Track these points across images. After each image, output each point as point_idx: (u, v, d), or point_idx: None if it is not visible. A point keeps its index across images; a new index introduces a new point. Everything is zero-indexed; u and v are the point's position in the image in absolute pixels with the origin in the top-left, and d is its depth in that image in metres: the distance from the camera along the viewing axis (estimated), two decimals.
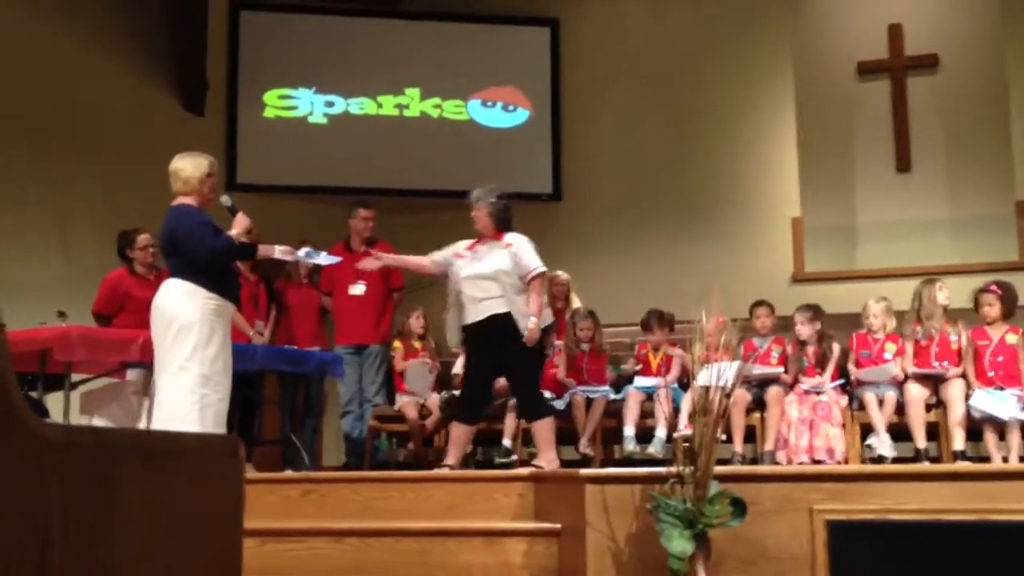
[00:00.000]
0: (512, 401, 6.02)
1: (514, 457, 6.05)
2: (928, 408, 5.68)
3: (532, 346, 5.26)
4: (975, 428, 5.56)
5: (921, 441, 5.59)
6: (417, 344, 6.79)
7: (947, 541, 3.57)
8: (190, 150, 5.04)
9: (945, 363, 5.75)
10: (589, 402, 6.25)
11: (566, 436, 6.16)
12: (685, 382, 6.14)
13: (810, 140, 8.84)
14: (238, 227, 4.98)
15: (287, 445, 6.50)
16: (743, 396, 5.84)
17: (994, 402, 5.45)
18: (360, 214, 7.03)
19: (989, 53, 8.52)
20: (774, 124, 8.96)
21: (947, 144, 8.60)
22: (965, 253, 8.16)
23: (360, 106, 9.38)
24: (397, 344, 6.83)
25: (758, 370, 5.99)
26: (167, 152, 5.04)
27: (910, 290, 6.06)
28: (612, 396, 6.33)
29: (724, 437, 5.37)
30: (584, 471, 3.95)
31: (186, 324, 4.68)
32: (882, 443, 5.61)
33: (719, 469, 3.62)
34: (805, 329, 6.07)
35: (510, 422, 6.17)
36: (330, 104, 9.33)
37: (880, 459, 5.54)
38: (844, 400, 5.85)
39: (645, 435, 6.07)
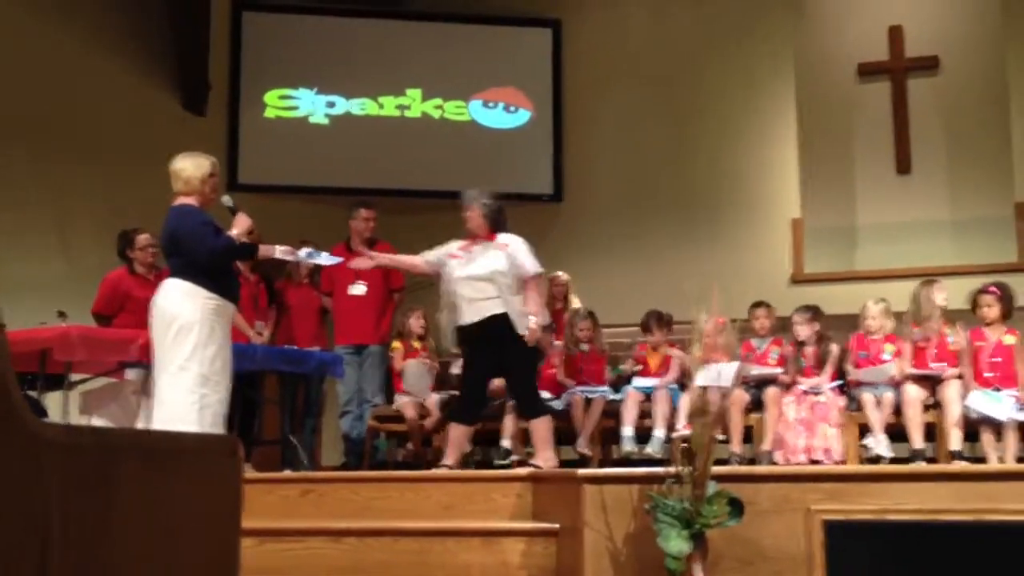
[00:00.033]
0: (511, 402, 6.03)
1: (513, 458, 6.06)
2: (925, 409, 5.69)
3: (532, 345, 5.29)
4: (972, 429, 5.57)
5: (918, 442, 5.60)
6: (417, 344, 6.79)
7: (944, 541, 3.58)
8: (191, 150, 5.05)
9: (943, 364, 5.76)
10: (588, 402, 6.26)
11: (565, 436, 6.17)
12: (684, 382, 6.14)
13: (810, 141, 8.85)
14: (239, 227, 4.99)
15: (286, 445, 6.50)
16: (741, 396, 5.84)
17: (991, 403, 5.46)
18: (361, 214, 7.03)
19: (989, 55, 8.54)
20: (775, 125, 8.97)
21: (947, 146, 8.62)
22: (964, 255, 8.17)
23: (361, 107, 9.39)
24: (397, 344, 6.83)
25: (756, 370, 6.00)
26: (168, 152, 5.06)
27: (909, 291, 6.07)
28: (611, 396, 6.34)
29: (722, 437, 5.39)
30: (582, 471, 3.96)
31: (186, 324, 4.69)
32: (879, 443, 5.62)
33: (717, 469, 3.63)
34: (804, 330, 6.08)
35: (509, 423, 6.17)
36: (331, 104, 9.34)
37: (877, 459, 5.55)
38: (842, 401, 5.86)
39: (643, 435, 6.08)
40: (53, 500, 1.62)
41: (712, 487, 3.53)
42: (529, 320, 5.24)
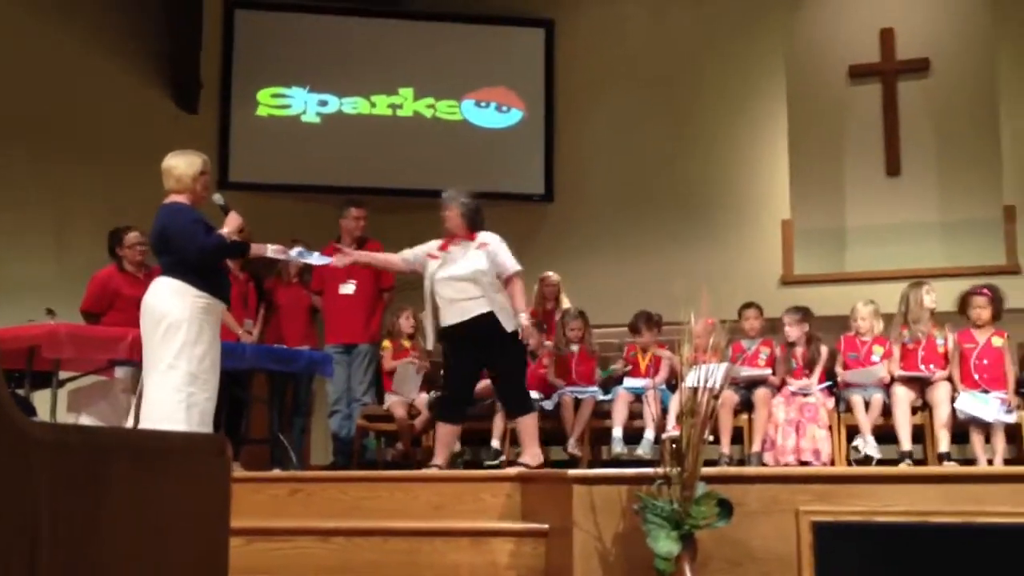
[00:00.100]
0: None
1: (502, 458, 6.06)
2: (914, 411, 5.71)
3: (525, 341, 5.31)
4: (960, 430, 5.60)
5: (907, 443, 5.62)
6: (406, 344, 6.79)
7: (933, 543, 3.59)
8: (183, 148, 5.03)
9: (931, 366, 5.78)
10: (577, 403, 6.26)
11: (554, 436, 6.18)
12: (673, 383, 6.15)
13: (801, 143, 8.86)
14: (230, 225, 4.98)
15: (275, 444, 6.50)
16: (731, 397, 5.86)
17: (979, 404, 5.48)
18: (351, 213, 7.02)
19: (980, 58, 8.56)
20: (765, 127, 8.99)
21: (937, 148, 8.64)
22: (954, 256, 8.20)
23: (353, 105, 9.38)
24: (386, 344, 6.83)
25: (746, 371, 6.02)
26: (161, 151, 5.04)
27: (899, 293, 6.09)
28: (600, 397, 6.35)
29: (711, 438, 5.38)
30: (572, 472, 3.96)
31: (175, 322, 4.67)
32: (868, 445, 5.64)
33: (706, 470, 3.64)
34: (793, 331, 6.10)
35: (499, 423, 6.18)
36: (323, 103, 9.33)
37: (866, 460, 5.57)
38: (831, 402, 5.88)
39: (633, 436, 6.09)
40: (42, 499, 1.62)
41: (701, 488, 3.53)
42: (521, 317, 5.26)
